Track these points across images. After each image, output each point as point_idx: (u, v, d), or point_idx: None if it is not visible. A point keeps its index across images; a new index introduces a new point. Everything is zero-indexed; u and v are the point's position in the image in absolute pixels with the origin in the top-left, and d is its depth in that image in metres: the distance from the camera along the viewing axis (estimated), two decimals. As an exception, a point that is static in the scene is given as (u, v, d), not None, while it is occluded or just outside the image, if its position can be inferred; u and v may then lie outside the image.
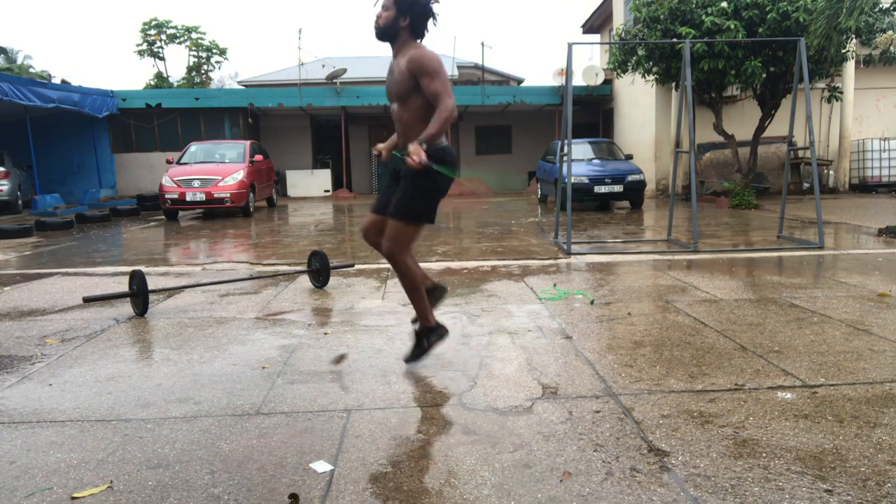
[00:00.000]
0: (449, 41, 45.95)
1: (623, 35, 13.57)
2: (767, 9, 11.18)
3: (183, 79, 27.88)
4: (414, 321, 3.32)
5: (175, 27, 27.25)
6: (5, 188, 14.72)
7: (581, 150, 13.58)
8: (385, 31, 2.96)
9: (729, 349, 3.41)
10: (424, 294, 3.16)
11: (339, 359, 3.41)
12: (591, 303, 4.59)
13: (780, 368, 3.08)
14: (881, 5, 11.86)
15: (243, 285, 5.52)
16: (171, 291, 5.22)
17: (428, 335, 3.18)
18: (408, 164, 2.80)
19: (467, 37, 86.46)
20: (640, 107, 17.17)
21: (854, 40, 12.41)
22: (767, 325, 3.88)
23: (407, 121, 3.02)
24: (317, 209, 15.12)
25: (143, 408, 2.75)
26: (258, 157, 13.77)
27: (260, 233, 10.27)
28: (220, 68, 42.47)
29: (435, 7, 2.99)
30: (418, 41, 2.99)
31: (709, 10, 11.42)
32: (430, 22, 2.99)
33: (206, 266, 6.76)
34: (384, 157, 3.37)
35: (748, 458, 2.19)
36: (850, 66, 14.77)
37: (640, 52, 12.80)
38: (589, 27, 22.79)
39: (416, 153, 2.74)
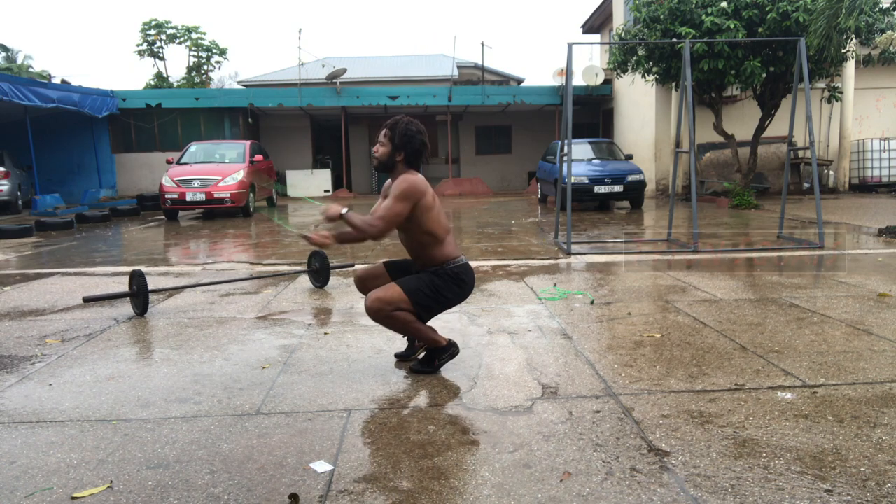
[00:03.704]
0: (449, 41, 45.92)
1: (623, 35, 13.57)
2: (767, 9, 11.18)
3: (183, 79, 27.88)
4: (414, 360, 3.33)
5: (175, 27, 27.26)
6: (5, 188, 14.71)
7: (581, 150, 13.57)
8: (383, 164, 3.16)
9: (729, 349, 3.41)
10: (419, 323, 3.09)
11: (339, 359, 3.42)
12: (591, 303, 4.60)
13: (780, 368, 3.08)
14: (881, 5, 11.87)
15: (243, 285, 5.52)
16: (171, 291, 5.22)
17: (440, 354, 3.15)
18: (312, 241, 3.01)
19: (467, 37, 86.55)
20: (640, 107, 17.16)
21: (854, 40, 12.40)
22: (767, 325, 3.88)
23: (413, 249, 3.18)
24: (317, 209, 15.10)
25: (143, 408, 2.76)
26: (258, 157, 13.77)
27: (260, 233, 10.27)
28: (220, 68, 42.48)
29: (426, 143, 3.17)
30: (412, 170, 3.14)
31: (709, 10, 11.42)
32: (423, 155, 3.17)
33: (206, 266, 6.76)
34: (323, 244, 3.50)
35: (748, 458, 2.19)
36: (849, 66, 14.76)
37: (640, 52, 12.80)
38: (589, 27, 22.79)
39: (321, 236, 2.99)
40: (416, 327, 3.08)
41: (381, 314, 3.01)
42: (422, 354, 3.23)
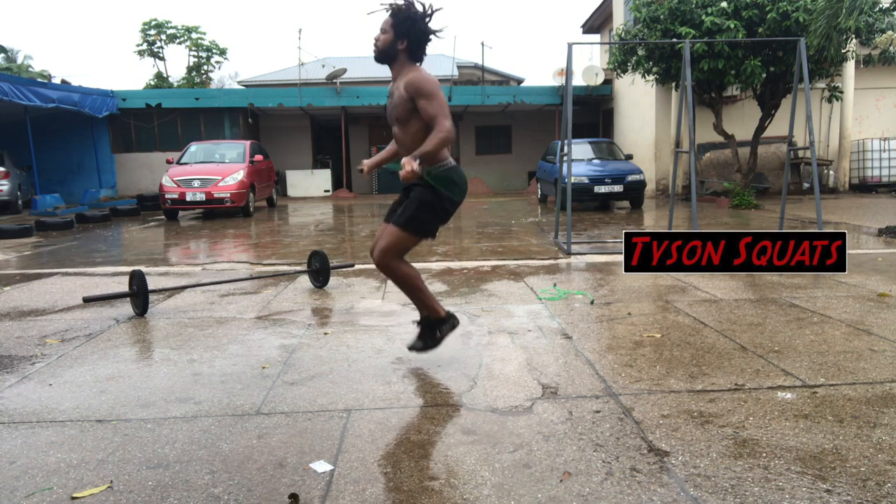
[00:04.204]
0: (449, 41, 45.80)
1: (623, 35, 13.57)
2: (767, 9, 11.18)
3: (183, 79, 27.88)
4: (417, 322, 3.32)
5: (175, 27, 27.26)
6: (5, 188, 14.71)
7: (581, 150, 13.57)
8: (383, 54, 2.99)
9: (729, 349, 3.41)
10: (425, 287, 3.13)
11: (339, 359, 3.41)
12: (591, 303, 4.59)
13: (780, 368, 3.08)
14: (881, 5, 11.86)
15: (243, 285, 5.52)
16: (171, 291, 5.22)
17: (440, 325, 3.14)
18: (401, 176, 2.81)
19: (467, 37, 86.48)
20: (640, 107, 17.16)
21: (854, 40, 12.40)
22: (767, 325, 3.88)
23: (408, 144, 3.04)
24: (317, 209, 15.12)
25: (143, 408, 2.75)
26: (258, 157, 13.77)
27: (260, 233, 10.27)
28: (220, 68, 42.46)
29: (433, 28, 3.00)
30: (417, 64, 3.02)
31: (709, 10, 11.42)
32: (428, 44, 3.02)
33: (206, 266, 6.76)
34: (366, 174, 3.41)
35: (748, 458, 2.19)
36: (850, 66, 14.77)
37: (640, 52, 12.80)
38: (589, 27, 22.79)
39: (409, 164, 2.74)
40: (419, 288, 3.08)
41: (387, 268, 2.99)
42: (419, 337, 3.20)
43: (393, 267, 3.01)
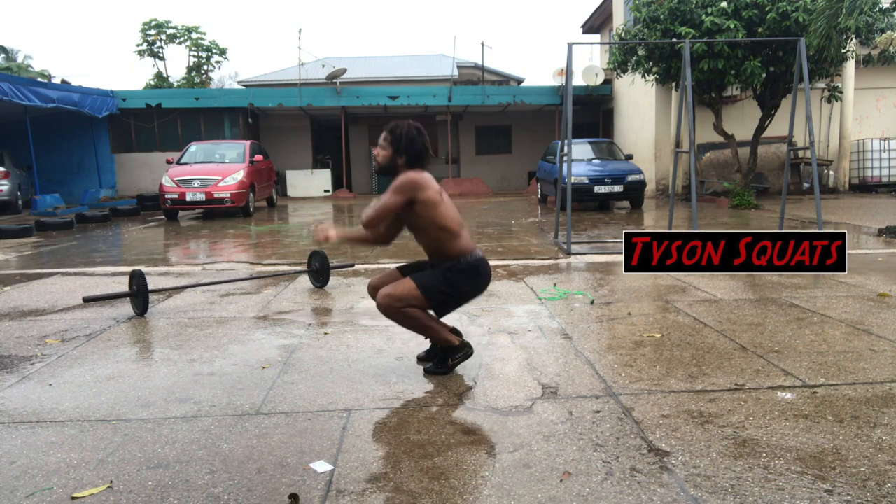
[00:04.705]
0: (449, 41, 45.91)
1: (623, 35, 13.57)
2: (767, 9, 11.18)
3: (183, 79, 27.86)
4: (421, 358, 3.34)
5: (175, 27, 27.23)
6: (5, 188, 14.71)
7: (581, 150, 13.57)
8: (384, 168, 3.14)
9: (729, 349, 3.41)
10: (431, 320, 3.09)
11: (339, 359, 3.41)
12: (591, 303, 4.59)
13: (780, 368, 3.08)
14: (881, 5, 11.86)
15: (243, 285, 5.52)
16: (171, 291, 5.22)
17: (453, 354, 3.13)
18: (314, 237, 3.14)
19: (467, 37, 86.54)
20: (640, 107, 17.16)
21: (854, 40, 12.40)
22: (767, 325, 3.88)
23: (428, 247, 3.15)
24: (317, 209, 15.12)
25: (143, 408, 2.76)
26: (258, 157, 13.77)
27: (260, 233, 10.27)
28: (220, 68, 42.41)
29: (427, 146, 3.14)
30: (416, 168, 3.10)
31: (709, 10, 11.42)
32: (425, 158, 3.14)
33: (206, 266, 6.76)
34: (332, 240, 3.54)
35: (748, 458, 2.19)
36: (849, 66, 14.76)
37: (640, 52, 12.80)
38: (589, 27, 22.78)
39: (324, 232, 3.08)
40: (428, 325, 3.06)
41: (392, 310, 3.00)
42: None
43: (395, 312, 3.02)
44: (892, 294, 4.63)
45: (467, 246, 3.09)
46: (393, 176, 3.12)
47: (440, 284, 3.01)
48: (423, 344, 3.43)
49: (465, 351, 3.14)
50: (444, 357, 3.13)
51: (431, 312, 3.10)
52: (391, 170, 3.10)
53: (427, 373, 3.15)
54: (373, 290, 3.21)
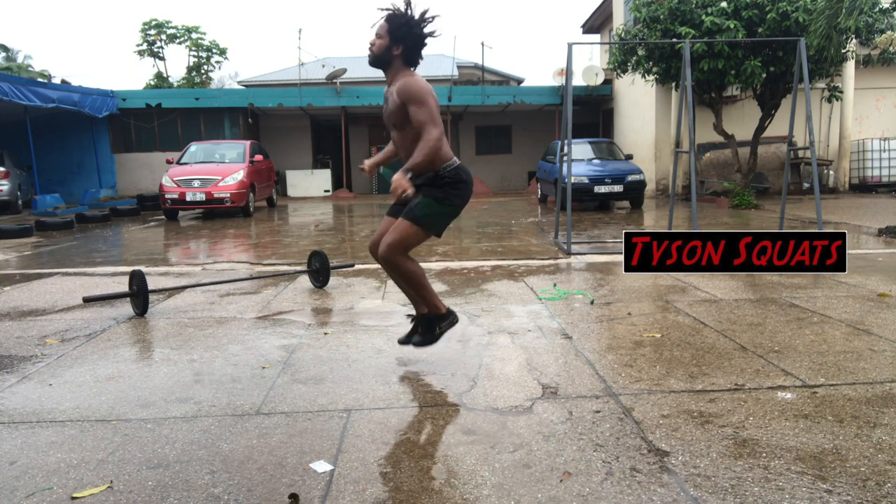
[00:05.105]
0: (449, 41, 45.94)
1: (623, 35, 13.57)
2: (767, 9, 11.18)
3: (183, 79, 27.86)
4: (409, 316, 3.34)
5: (175, 27, 27.25)
6: (5, 188, 14.71)
7: (581, 150, 13.57)
8: (378, 59, 3.00)
9: (729, 349, 3.41)
10: (428, 283, 3.12)
11: (339, 359, 3.41)
12: (591, 303, 4.59)
13: (780, 368, 3.08)
14: (881, 5, 11.86)
15: (243, 285, 5.52)
16: (171, 291, 5.22)
17: (440, 321, 3.14)
18: (392, 191, 2.84)
19: (467, 37, 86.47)
20: (640, 107, 17.16)
21: (854, 40, 12.40)
22: (767, 325, 3.88)
23: (407, 147, 3.06)
24: (317, 209, 15.12)
25: (143, 408, 2.75)
26: (258, 157, 13.77)
27: (260, 233, 10.27)
28: (220, 68, 42.47)
29: (429, 33, 3.01)
30: (411, 69, 3.02)
31: (709, 10, 11.42)
32: (423, 50, 3.03)
33: (206, 266, 6.76)
34: (367, 173, 3.43)
35: (748, 458, 2.19)
36: (849, 66, 14.77)
37: (640, 52, 12.80)
38: (589, 27, 22.78)
39: (400, 184, 2.77)
40: (424, 283, 3.08)
41: (394, 263, 2.98)
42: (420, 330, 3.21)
43: (398, 262, 3.00)
44: (892, 294, 4.63)
45: (447, 152, 3.02)
46: (385, 69, 3.00)
47: (430, 209, 2.96)
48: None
49: (450, 318, 3.17)
50: (431, 325, 3.14)
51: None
52: (385, 61, 2.98)
53: (414, 345, 3.16)
54: (374, 250, 3.17)
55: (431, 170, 3.00)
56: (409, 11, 2.96)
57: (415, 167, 2.83)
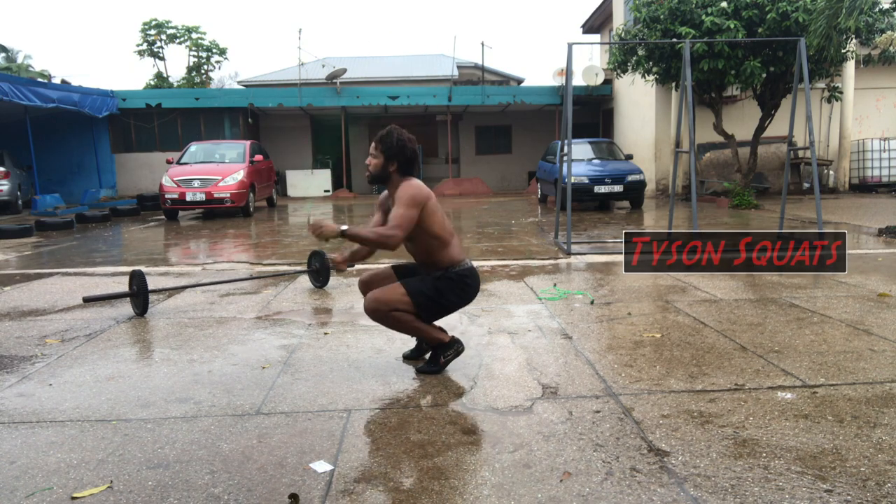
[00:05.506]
0: (449, 41, 45.96)
1: (623, 35, 13.57)
2: (767, 9, 11.17)
3: (183, 79, 27.86)
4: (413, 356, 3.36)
5: (175, 27, 27.23)
6: (5, 188, 14.71)
7: (581, 150, 13.57)
8: (377, 177, 3.14)
9: (729, 349, 3.41)
10: (421, 323, 3.08)
11: (339, 359, 3.41)
12: (591, 303, 4.59)
13: (780, 368, 3.08)
14: (881, 5, 11.86)
15: (243, 285, 5.52)
16: (171, 291, 5.22)
17: (444, 351, 3.14)
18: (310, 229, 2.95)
19: (467, 37, 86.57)
20: (640, 107, 17.16)
21: (854, 40, 12.40)
22: (767, 325, 3.88)
23: (419, 254, 3.16)
24: (317, 209, 15.11)
25: (143, 408, 2.76)
26: (258, 157, 13.77)
27: (260, 233, 10.27)
28: (220, 68, 42.43)
29: (417, 152, 3.15)
30: (409, 177, 3.11)
31: (709, 10, 11.41)
32: (417, 162, 3.15)
33: (206, 266, 6.76)
34: (342, 265, 3.48)
35: (748, 458, 2.19)
36: (849, 66, 14.76)
37: (640, 52, 12.79)
38: (589, 27, 22.78)
39: (319, 225, 2.87)
40: (416, 326, 3.07)
41: (379, 314, 3.01)
42: (428, 355, 3.23)
43: (382, 313, 3.02)
44: (892, 294, 4.63)
45: (458, 255, 3.12)
46: (385, 184, 3.15)
47: (428, 291, 3.02)
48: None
49: (455, 347, 3.16)
50: (436, 355, 3.14)
51: None
52: (383, 177, 3.12)
53: (419, 372, 3.16)
54: (364, 287, 3.25)
55: (438, 269, 3.09)
56: (397, 133, 3.10)
57: (353, 234, 2.89)
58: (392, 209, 3.02)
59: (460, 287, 3.09)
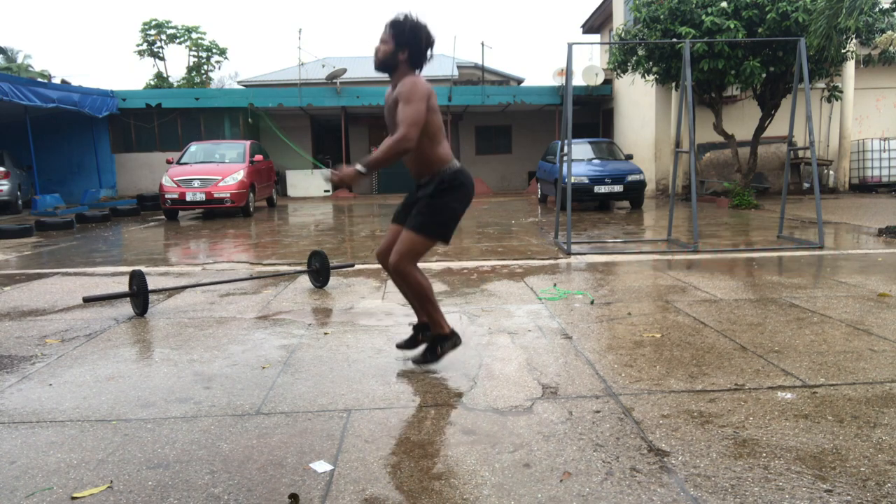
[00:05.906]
0: (449, 41, 45.94)
1: (623, 35, 13.57)
2: (767, 9, 11.18)
3: (183, 79, 27.86)
4: (413, 325, 3.34)
5: (175, 27, 27.24)
6: (5, 188, 14.71)
7: (581, 150, 13.57)
8: (384, 64, 3.01)
9: (729, 349, 3.41)
10: (435, 301, 3.13)
11: (339, 359, 3.41)
12: (591, 303, 4.59)
13: (780, 368, 3.08)
14: (881, 5, 11.86)
15: (243, 285, 5.52)
16: (171, 291, 5.22)
17: (442, 342, 3.14)
18: (330, 177, 2.91)
19: (467, 37, 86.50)
20: (640, 107, 17.16)
21: (854, 40, 12.40)
22: (767, 325, 3.88)
23: (411, 154, 3.03)
24: (317, 209, 15.11)
25: (143, 408, 2.75)
26: (258, 157, 13.77)
27: (260, 233, 10.27)
28: (220, 68, 42.48)
29: (433, 39, 3.01)
30: (416, 71, 3.03)
31: (709, 10, 11.42)
32: (429, 53, 3.02)
33: (206, 266, 6.76)
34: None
35: (748, 458, 2.19)
36: (849, 66, 14.76)
37: (640, 52, 12.80)
38: (589, 27, 22.78)
39: (342, 174, 2.85)
40: (432, 300, 3.09)
41: (404, 273, 3.00)
42: (423, 346, 3.24)
43: (408, 272, 3.02)
44: (892, 294, 4.62)
45: (447, 154, 3.04)
46: (391, 73, 3.02)
47: (433, 216, 2.99)
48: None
49: (453, 340, 3.17)
50: (433, 345, 3.15)
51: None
52: (391, 65, 2.99)
53: (414, 362, 3.18)
54: (382, 258, 3.20)
55: (428, 172, 3.03)
56: (412, 17, 2.99)
57: (370, 162, 2.83)
58: (399, 108, 2.89)
59: (456, 189, 3.02)
